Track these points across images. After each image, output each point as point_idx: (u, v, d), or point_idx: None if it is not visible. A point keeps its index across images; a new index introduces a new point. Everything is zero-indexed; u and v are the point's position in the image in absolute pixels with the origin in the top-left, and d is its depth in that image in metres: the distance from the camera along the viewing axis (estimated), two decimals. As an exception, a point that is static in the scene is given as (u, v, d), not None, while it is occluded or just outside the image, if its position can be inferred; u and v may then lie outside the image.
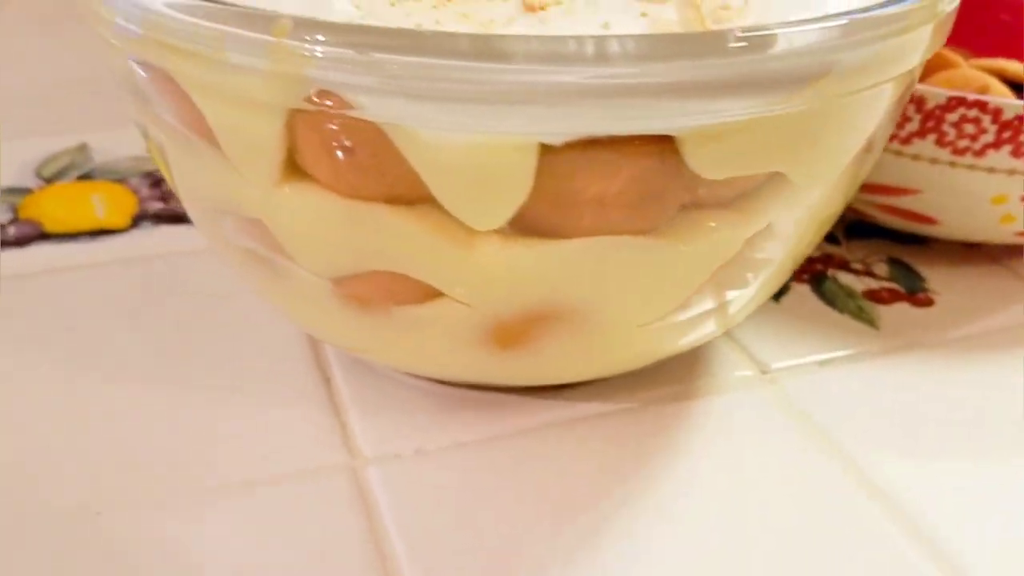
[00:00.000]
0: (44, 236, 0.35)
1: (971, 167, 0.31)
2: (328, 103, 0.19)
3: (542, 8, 0.20)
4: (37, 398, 0.28)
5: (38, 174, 0.39)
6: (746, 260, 0.23)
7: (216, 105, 0.21)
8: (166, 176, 0.26)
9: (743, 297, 0.25)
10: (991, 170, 0.31)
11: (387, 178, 0.20)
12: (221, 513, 0.24)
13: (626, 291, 0.22)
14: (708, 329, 0.26)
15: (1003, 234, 0.33)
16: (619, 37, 0.18)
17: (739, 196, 0.22)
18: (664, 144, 0.20)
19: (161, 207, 0.37)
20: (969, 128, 0.31)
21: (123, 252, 0.35)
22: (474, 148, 0.19)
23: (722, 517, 0.25)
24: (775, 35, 0.18)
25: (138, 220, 0.36)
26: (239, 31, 0.19)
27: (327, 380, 0.29)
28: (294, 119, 0.20)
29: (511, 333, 0.23)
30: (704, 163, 0.20)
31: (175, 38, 0.20)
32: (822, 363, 0.30)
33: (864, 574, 0.23)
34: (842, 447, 0.27)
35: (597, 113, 0.19)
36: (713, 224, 0.22)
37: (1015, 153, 0.31)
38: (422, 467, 0.26)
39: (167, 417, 0.27)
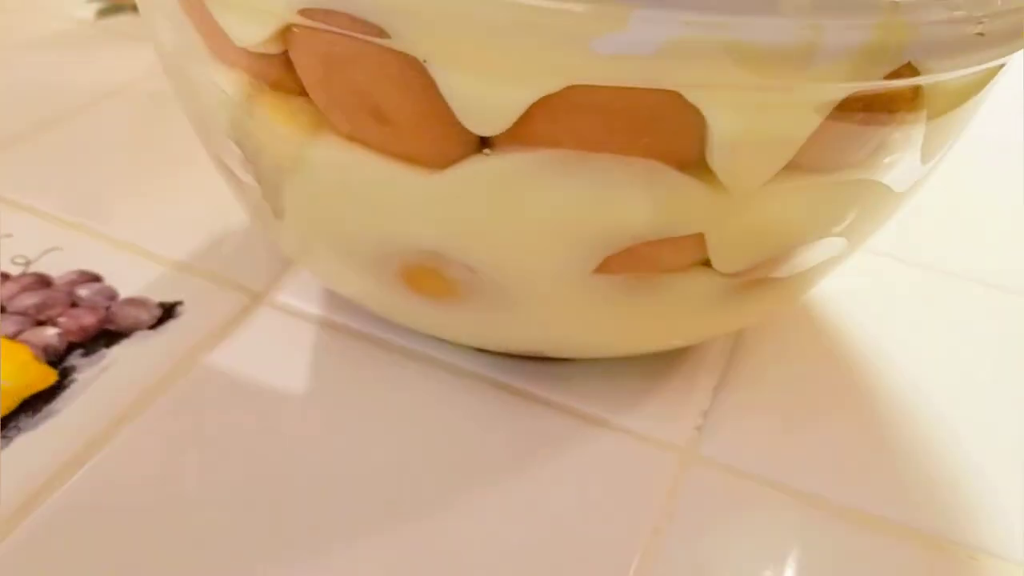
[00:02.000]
0: (-48, 445, 0.22)
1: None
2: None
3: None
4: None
5: None
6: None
7: (743, 116, 0.17)
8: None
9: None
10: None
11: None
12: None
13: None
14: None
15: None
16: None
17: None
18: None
19: (76, 326, 0.25)
20: None
21: (111, 405, 0.24)
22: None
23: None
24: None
25: (63, 358, 0.25)
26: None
27: (568, 411, 0.25)
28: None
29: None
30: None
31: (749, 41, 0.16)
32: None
33: None
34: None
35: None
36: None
37: None
38: (725, 425, 0.25)
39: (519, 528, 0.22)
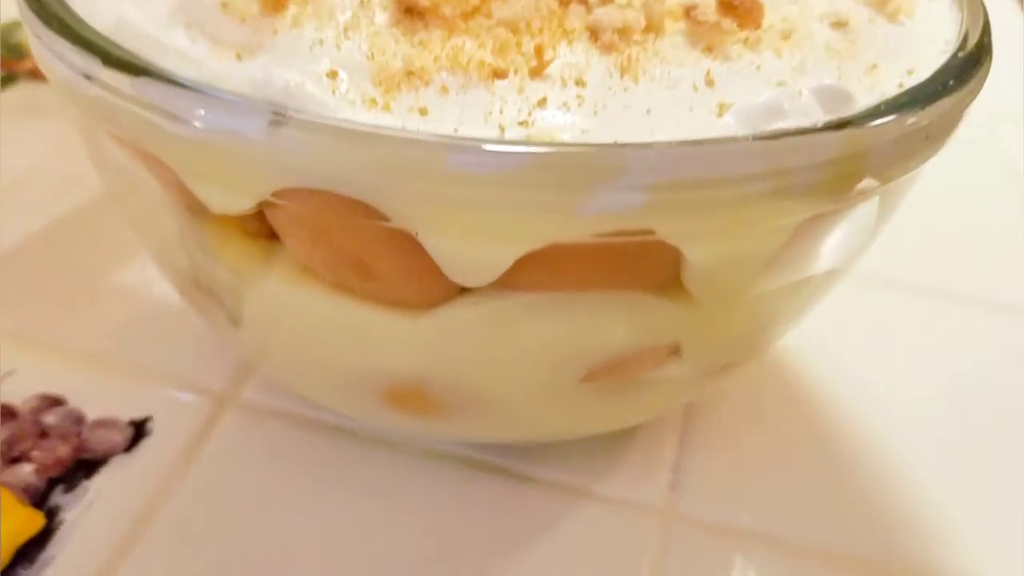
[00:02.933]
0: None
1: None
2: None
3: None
4: None
5: None
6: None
7: (717, 247, 0.18)
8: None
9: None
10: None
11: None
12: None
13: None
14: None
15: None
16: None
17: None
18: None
19: (52, 459, 0.25)
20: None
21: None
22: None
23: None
24: None
25: (46, 497, 0.24)
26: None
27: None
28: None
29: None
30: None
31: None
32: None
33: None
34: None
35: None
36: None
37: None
38: (696, 476, 0.27)
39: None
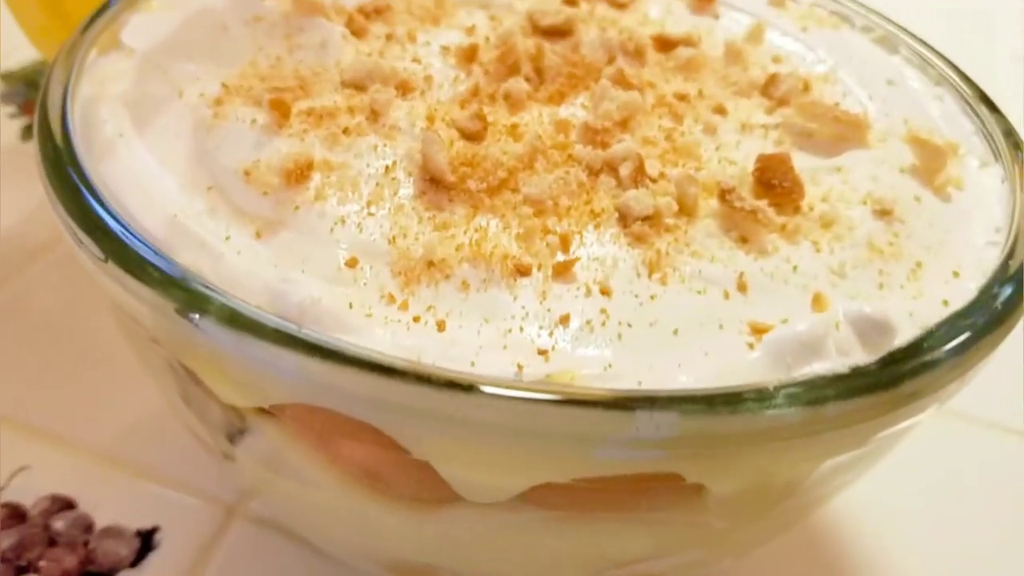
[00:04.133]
0: None
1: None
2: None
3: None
4: None
5: None
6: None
7: (742, 481, 0.17)
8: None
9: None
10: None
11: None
12: None
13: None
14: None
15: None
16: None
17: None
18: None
19: (59, 571, 0.25)
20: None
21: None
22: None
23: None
24: None
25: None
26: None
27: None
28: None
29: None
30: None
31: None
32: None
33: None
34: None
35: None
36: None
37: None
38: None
39: None
